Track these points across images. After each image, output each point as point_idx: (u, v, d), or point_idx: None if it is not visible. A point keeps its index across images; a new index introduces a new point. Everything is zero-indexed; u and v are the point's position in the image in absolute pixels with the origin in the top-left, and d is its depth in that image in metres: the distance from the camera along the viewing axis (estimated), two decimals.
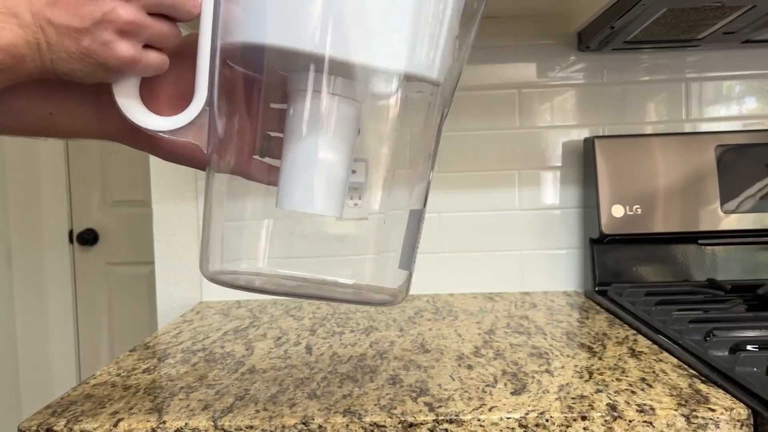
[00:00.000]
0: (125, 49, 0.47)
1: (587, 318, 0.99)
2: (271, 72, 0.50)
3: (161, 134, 0.50)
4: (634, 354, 0.80)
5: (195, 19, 0.50)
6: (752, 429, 0.61)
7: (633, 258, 1.11)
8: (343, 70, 0.47)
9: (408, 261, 0.54)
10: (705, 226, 1.09)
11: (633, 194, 1.10)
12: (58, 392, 2.19)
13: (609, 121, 1.20)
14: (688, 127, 1.19)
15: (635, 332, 0.90)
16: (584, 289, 1.18)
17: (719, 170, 1.10)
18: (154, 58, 0.49)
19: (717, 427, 0.61)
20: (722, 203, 1.09)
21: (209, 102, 0.50)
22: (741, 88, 1.20)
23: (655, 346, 0.83)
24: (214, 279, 0.52)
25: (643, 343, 0.84)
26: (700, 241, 1.11)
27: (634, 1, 0.89)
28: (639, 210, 1.10)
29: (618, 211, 1.10)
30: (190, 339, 0.94)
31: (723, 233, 1.09)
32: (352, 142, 0.49)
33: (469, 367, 0.77)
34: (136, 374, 0.78)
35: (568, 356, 0.80)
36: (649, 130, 1.20)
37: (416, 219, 0.54)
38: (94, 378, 0.77)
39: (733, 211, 1.09)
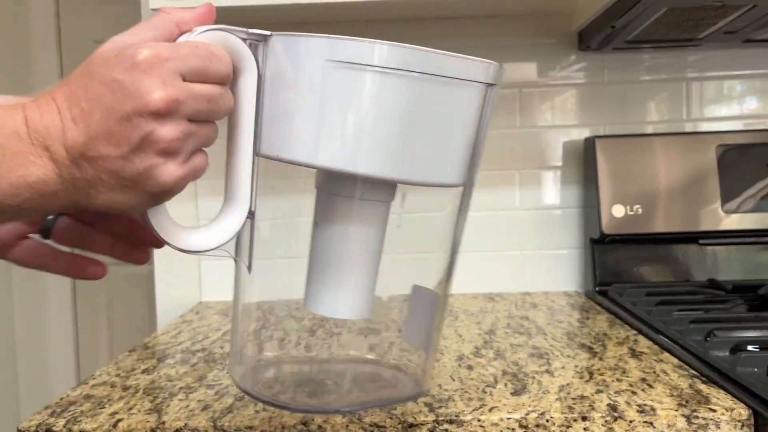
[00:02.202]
0: (172, 171, 0.41)
1: (588, 318, 0.99)
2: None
3: (196, 254, 0.47)
4: (634, 354, 0.80)
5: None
6: (753, 429, 0.61)
7: (634, 258, 1.11)
8: (377, 183, 0.48)
9: (415, 338, 0.53)
10: (706, 226, 1.09)
11: (634, 194, 1.10)
12: (57, 392, 2.19)
13: (610, 120, 1.20)
14: (689, 127, 1.19)
15: (636, 332, 0.90)
16: (585, 289, 1.18)
17: (720, 170, 1.09)
18: (199, 163, 0.43)
19: (718, 427, 0.61)
20: (723, 203, 1.09)
21: (250, 211, 0.47)
22: (742, 88, 1.19)
23: (656, 347, 0.82)
24: (238, 385, 0.53)
25: (643, 344, 0.84)
26: (701, 241, 1.11)
27: (635, 1, 0.89)
28: (640, 210, 1.09)
29: (618, 211, 1.09)
30: (190, 339, 0.94)
31: (724, 233, 1.09)
32: (381, 243, 0.49)
33: (470, 367, 0.77)
34: (135, 374, 0.78)
35: (568, 356, 0.80)
36: (649, 129, 1.19)
37: (423, 296, 0.53)
38: (94, 378, 0.77)
39: (734, 211, 1.09)
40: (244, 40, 0.45)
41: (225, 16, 1.18)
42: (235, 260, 0.50)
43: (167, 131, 0.39)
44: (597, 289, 1.11)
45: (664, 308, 0.90)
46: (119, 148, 0.39)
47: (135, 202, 0.41)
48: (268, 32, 0.45)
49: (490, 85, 0.48)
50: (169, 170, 0.41)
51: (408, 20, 1.19)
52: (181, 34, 0.43)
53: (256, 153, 0.46)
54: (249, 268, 0.50)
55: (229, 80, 0.44)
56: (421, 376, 0.56)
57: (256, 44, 0.45)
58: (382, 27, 1.19)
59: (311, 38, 0.44)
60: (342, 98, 0.44)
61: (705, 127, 1.19)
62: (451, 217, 0.53)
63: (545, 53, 1.19)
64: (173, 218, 0.47)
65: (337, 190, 0.47)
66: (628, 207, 1.10)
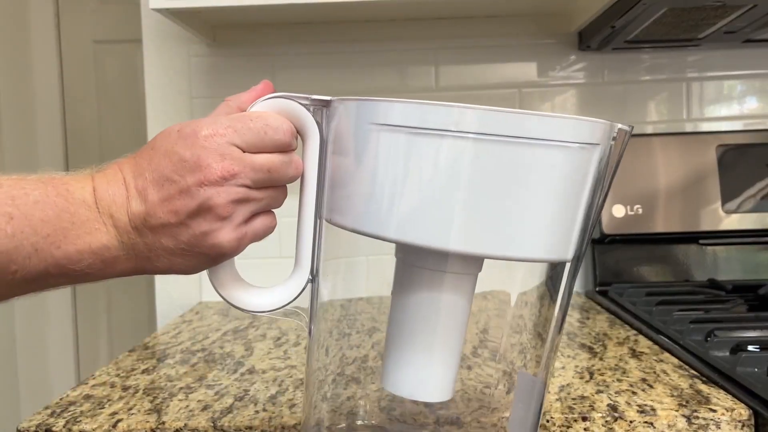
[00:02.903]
0: (227, 234, 0.43)
1: (588, 318, 0.99)
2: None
3: (257, 314, 0.48)
4: (634, 354, 0.80)
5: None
6: (753, 429, 0.61)
7: (634, 258, 1.11)
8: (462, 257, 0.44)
9: (523, 428, 0.49)
10: (706, 226, 1.09)
11: (634, 194, 1.10)
12: (57, 393, 2.19)
13: (610, 120, 1.19)
14: (689, 127, 1.19)
15: (636, 332, 0.90)
16: (585, 289, 1.18)
17: (720, 170, 1.09)
18: (260, 225, 0.45)
19: (718, 427, 0.61)
20: (723, 203, 1.09)
21: (313, 274, 0.48)
22: (742, 88, 1.19)
23: (656, 347, 0.82)
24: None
25: (643, 344, 0.84)
26: (701, 241, 1.11)
27: (635, 1, 0.89)
28: (640, 210, 1.09)
29: (619, 211, 1.09)
30: (190, 339, 0.94)
31: (724, 233, 1.09)
32: (466, 319, 0.46)
33: (469, 367, 0.77)
34: (135, 375, 0.78)
35: (568, 357, 0.80)
36: (649, 129, 1.19)
37: (527, 384, 0.50)
38: (93, 378, 0.77)
39: (734, 211, 1.09)
40: (306, 105, 0.45)
41: (225, 16, 1.18)
42: (309, 328, 0.50)
43: (222, 198, 0.42)
44: (597, 289, 1.11)
45: (665, 308, 0.90)
46: (178, 216, 0.42)
47: (193, 263, 0.44)
48: (329, 98, 0.45)
49: (592, 145, 0.43)
50: (223, 233, 0.43)
51: (408, 20, 1.19)
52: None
53: (320, 217, 0.46)
54: (309, 332, 0.50)
55: (292, 147, 0.45)
56: None
57: (318, 108, 0.45)
58: (382, 27, 1.19)
59: (377, 102, 0.42)
60: (412, 168, 0.40)
61: (705, 127, 1.19)
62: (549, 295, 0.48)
63: (545, 53, 1.19)
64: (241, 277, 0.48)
65: (421, 263, 0.44)
66: (628, 207, 1.09)
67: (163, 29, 1.19)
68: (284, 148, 0.44)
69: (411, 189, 0.40)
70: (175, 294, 1.21)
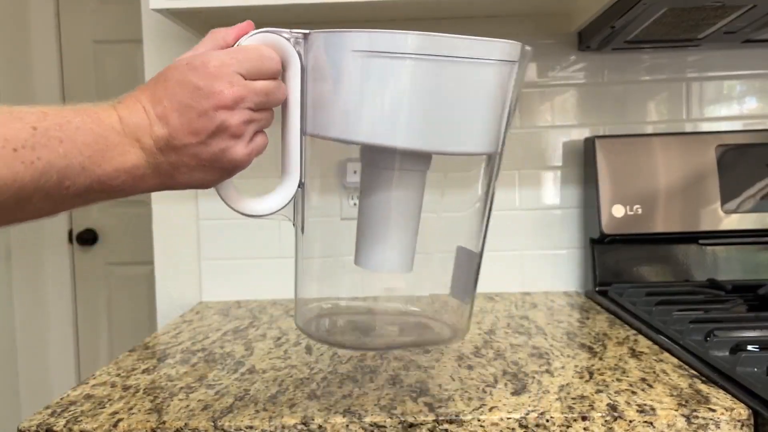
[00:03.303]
0: (241, 149, 0.50)
1: (588, 318, 0.99)
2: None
3: (258, 217, 0.55)
4: (634, 354, 0.80)
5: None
6: (753, 429, 0.61)
7: (633, 258, 1.11)
8: (415, 154, 0.54)
9: (460, 292, 0.60)
10: (705, 226, 1.09)
11: (633, 194, 1.10)
12: (58, 392, 2.19)
13: (609, 120, 1.20)
14: (688, 127, 1.19)
15: (636, 332, 0.90)
16: (584, 289, 1.18)
17: (720, 170, 1.09)
18: (261, 142, 0.53)
19: (717, 427, 0.61)
20: (723, 203, 1.09)
21: (300, 182, 0.56)
22: (741, 88, 1.19)
23: (656, 347, 0.82)
24: (303, 330, 0.62)
25: (643, 344, 0.84)
26: (700, 241, 1.11)
27: (635, 1, 0.89)
28: (639, 210, 1.09)
29: (618, 211, 1.09)
30: (190, 339, 0.94)
31: (723, 233, 1.09)
32: (420, 207, 0.56)
33: (470, 367, 0.77)
34: (135, 374, 0.78)
35: (568, 356, 0.80)
36: (649, 129, 1.19)
37: (465, 256, 0.60)
38: (94, 378, 0.77)
39: (734, 211, 1.09)
40: (288, 38, 0.53)
41: (225, 17, 1.18)
42: (293, 223, 0.58)
43: (235, 120, 0.49)
44: (597, 289, 1.11)
45: (664, 308, 0.91)
46: (198, 137, 0.49)
47: (210, 178, 0.51)
48: (307, 30, 0.53)
49: (511, 62, 0.53)
50: (238, 149, 0.50)
51: (408, 20, 1.19)
52: (228, 45, 0.53)
53: (303, 133, 0.54)
54: (302, 229, 0.58)
55: (280, 74, 0.53)
56: (458, 324, 0.63)
57: (297, 41, 0.53)
58: (382, 27, 1.19)
59: (345, 33, 0.51)
60: (375, 83, 0.51)
61: (705, 127, 1.19)
62: (485, 181, 0.60)
63: (545, 53, 1.19)
64: (236, 191, 0.55)
65: (380, 163, 0.55)
66: (628, 207, 1.10)
67: (163, 29, 1.19)
68: (275, 75, 0.52)
69: (372, 101, 0.51)
70: (176, 294, 1.21)
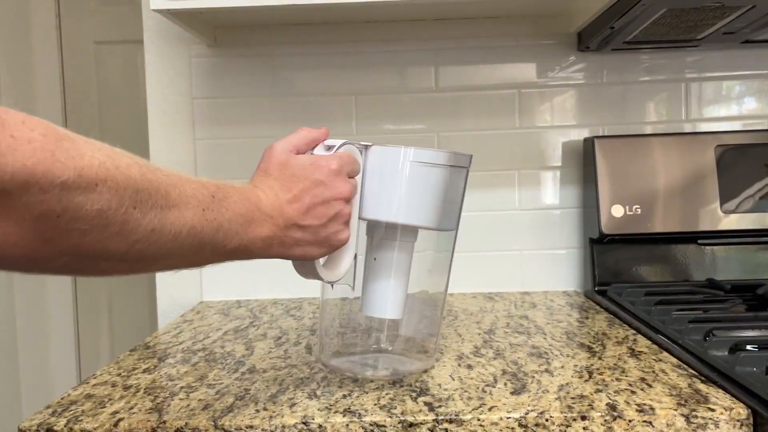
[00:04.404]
0: (345, 233, 0.65)
1: (587, 318, 1.00)
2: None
3: (331, 283, 0.70)
4: (633, 354, 0.80)
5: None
6: (752, 429, 0.61)
7: (633, 258, 1.11)
8: (410, 229, 0.71)
9: (367, 305, 0.72)
10: (705, 226, 1.09)
11: (633, 194, 1.10)
12: (59, 392, 2.19)
13: (609, 121, 1.20)
14: (687, 127, 1.19)
15: (635, 332, 0.90)
16: (584, 289, 1.18)
17: (719, 170, 1.10)
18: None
19: (716, 426, 0.61)
20: (722, 203, 1.09)
21: (355, 255, 0.70)
22: (740, 88, 1.20)
23: (655, 346, 0.83)
24: (327, 365, 0.78)
25: (642, 343, 0.84)
26: (699, 241, 1.11)
27: (634, 2, 0.89)
28: (639, 210, 1.10)
29: (618, 211, 1.10)
30: (191, 339, 0.94)
31: (723, 233, 1.09)
32: (409, 269, 0.72)
33: (469, 366, 0.78)
34: (136, 374, 0.78)
35: (567, 356, 0.80)
36: (648, 130, 1.20)
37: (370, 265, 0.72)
38: (95, 378, 0.77)
39: (733, 211, 1.09)
40: (359, 149, 0.68)
41: (226, 17, 1.18)
42: (352, 288, 0.74)
43: (346, 210, 0.64)
44: (596, 288, 1.11)
45: (663, 308, 0.91)
46: (320, 220, 0.62)
47: (318, 252, 0.64)
48: (369, 143, 0.69)
49: (467, 168, 0.74)
50: (345, 232, 0.65)
51: (408, 21, 1.19)
52: (316, 142, 0.67)
53: (360, 217, 0.69)
54: (353, 287, 0.73)
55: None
56: (425, 357, 0.80)
57: (362, 150, 0.68)
58: (382, 27, 1.19)
59: (395, 148, 0.68)
60: (414, 184, 0.68)
61: (704, 127, 1.19)
62: (448, 249, 0.78)
63: (545, 54, 1.20)
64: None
65: (387, 236, 0.71)
66: (627, 207, 1.10)
67: (164, 30, 1.20)
68: (356, 175, 0.67)
69: (408, 193, 0.69)
70: (176, 294, 1.21)
